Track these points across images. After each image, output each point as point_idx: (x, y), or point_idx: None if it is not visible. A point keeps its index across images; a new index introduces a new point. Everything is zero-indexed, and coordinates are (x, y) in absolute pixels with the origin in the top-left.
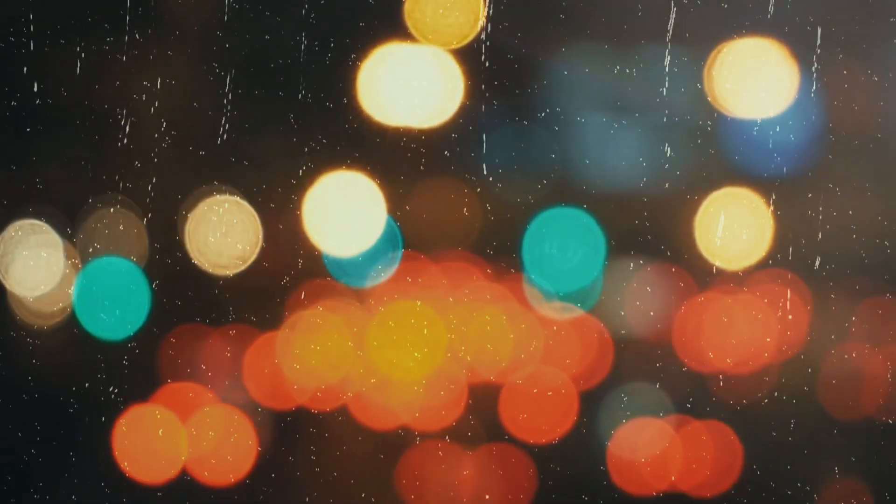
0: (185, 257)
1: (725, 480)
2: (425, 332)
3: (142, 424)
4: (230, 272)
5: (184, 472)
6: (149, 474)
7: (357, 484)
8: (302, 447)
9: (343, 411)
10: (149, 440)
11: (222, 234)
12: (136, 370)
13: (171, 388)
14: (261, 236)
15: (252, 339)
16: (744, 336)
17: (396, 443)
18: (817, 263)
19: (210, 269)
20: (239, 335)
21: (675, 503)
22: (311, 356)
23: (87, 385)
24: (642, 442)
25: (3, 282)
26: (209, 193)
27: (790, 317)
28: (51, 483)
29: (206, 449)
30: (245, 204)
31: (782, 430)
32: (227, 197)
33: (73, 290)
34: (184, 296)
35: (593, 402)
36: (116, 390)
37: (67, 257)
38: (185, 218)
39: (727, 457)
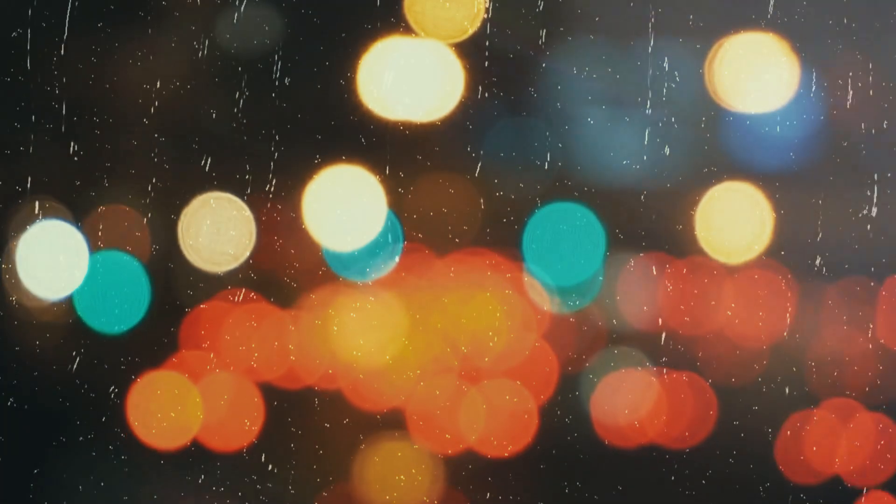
0: (191, 250)
1: (699, 433)
2: (425, 324)
3: (153, 393)
4: (222, 269)
5: (194, 441)
6: (160, 442)
7: (349, 458)
8: (300, 425)
9: (340, 395)
10: (161, 408)
11: (215, 231)
12: (137, 361)
13: (181, 361)
14: (254, 234)
15: (254, 326)
16: (741, 328)
17: (392, 421)
18: (816, 257)
19: (203, 265)
20: (241, 323)
21: (653, 455)
22: (313, 344)
23: (89, 377)
24: (624, 396)
25: (5, 277)
26: (203, 190)
27: (788, 309)
28: (54, 475)
29: (215, 417)
30: (238, 201)
31: (764, 404)
32: (219, 194)
33: (74, 285)
34: (184, 289)
35: (582, 376)
36: (118, 384)
37: (68, 252)
38: (181, 214)
39: (702, 410)
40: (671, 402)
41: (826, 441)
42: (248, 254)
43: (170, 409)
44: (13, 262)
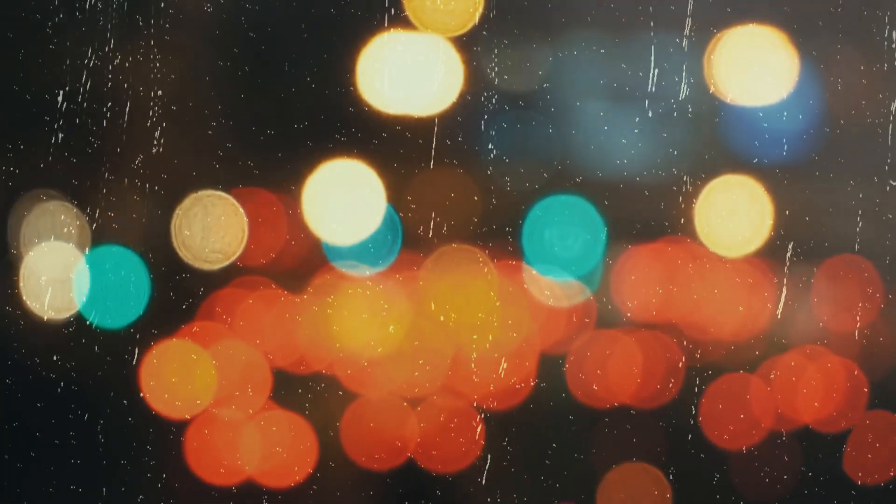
0: (188, 238)
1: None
2: (424, 317)
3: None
4: (214, 266)
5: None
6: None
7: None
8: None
9: (341, 383)
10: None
11: (207, 230)
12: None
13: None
14: (246, 232)
15: (257, 318)
16: (738, 320)
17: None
18: (815, 251)
19: (194, 262)
20: (244, 316)
21: (624, 415)
22: (315, 335)
23: (101, 371)
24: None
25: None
26: (202, 186)
27: (786, 301)
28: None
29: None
30: (230, 199)
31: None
32: (211, 192)
33: (74, 281)
34: (184, 285)
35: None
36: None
37: (68, 249)
38: (174, 212)
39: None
40: (644, 363)
41: (797, 389)
42: (239, 253)
43: (183, 385)
44: (13, 262)
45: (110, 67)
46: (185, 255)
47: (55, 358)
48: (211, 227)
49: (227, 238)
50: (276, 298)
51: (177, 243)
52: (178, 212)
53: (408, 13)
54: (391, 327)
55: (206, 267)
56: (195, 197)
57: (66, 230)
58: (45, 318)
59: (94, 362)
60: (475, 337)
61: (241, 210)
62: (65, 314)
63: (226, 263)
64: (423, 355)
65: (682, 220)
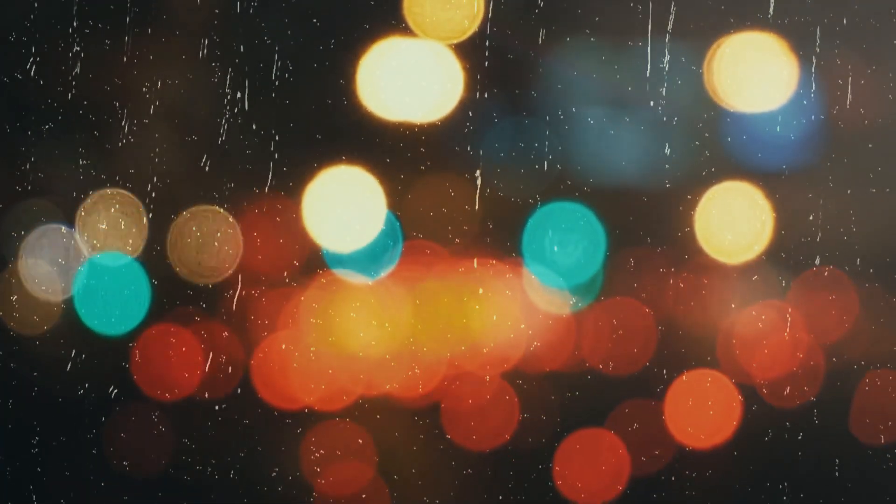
0: (183, 254)
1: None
2: (424, 323)
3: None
4: (209, 282)
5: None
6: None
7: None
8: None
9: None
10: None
11: (200, 245)
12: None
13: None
14: (241, 246)
15: (260, 332)
16: (740, 328)
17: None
18: (815, 258)
19: (189, 278)
20: (244, 329)
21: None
22: (315, 342)
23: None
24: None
25: (7, 280)
26: (201, 190)
27: (788, 309)
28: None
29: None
30: (225, 214)
31: None
32: (206, 207)
33: (73, 287)
34: (183, 291)
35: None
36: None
37: (68, 254)
38: (172, 227)
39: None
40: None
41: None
42: (234, 267)
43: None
44: (12, 265)
45: (107, 74)
46: (182, 271)
47: (53, 363)
48: (206, 244)
49: (221, 255)
50: (279, 298)
51: (172, 259)
52: (173, 227)
53: (408, 20)
54: (391, 332)
55: (202, 282)
56: (190, 212)
57: (63, 238)
58: (44, 324)
59: (96, 367)
60: (473, 343)
61: (237, 224)
62: (64, 320)
63: (222, 278)
64: (421, 359)
65: (682, 227)
